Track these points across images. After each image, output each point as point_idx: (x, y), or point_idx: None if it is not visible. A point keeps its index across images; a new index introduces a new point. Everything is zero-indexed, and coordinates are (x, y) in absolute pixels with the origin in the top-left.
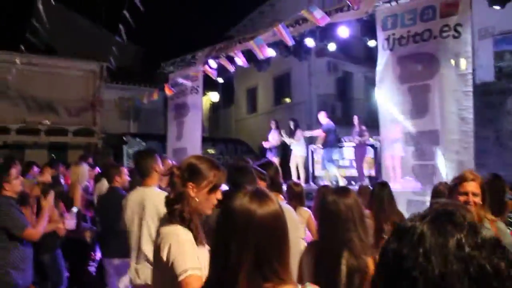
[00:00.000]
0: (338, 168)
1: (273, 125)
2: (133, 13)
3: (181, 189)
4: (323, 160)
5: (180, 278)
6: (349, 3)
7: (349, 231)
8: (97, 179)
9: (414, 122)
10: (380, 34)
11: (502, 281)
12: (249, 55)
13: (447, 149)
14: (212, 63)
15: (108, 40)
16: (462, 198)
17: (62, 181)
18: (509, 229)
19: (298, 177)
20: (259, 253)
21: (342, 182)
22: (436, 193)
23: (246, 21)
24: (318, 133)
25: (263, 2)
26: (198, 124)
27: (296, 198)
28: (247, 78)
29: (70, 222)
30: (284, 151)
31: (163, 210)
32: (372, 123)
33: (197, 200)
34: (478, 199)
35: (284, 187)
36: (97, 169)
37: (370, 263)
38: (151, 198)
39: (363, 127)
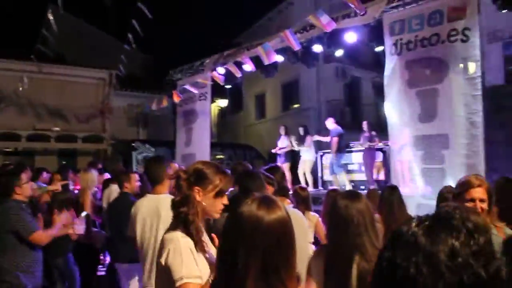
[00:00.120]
0: (347, 172)
1: (282, 130)
2: (142, 22)
3: (187, 192)
4: (331, 165)
5: (177, 284)
6: (354, 8)
7: (360, 236)
8: (105, 185)
9: (423, 126)
10: (388, 39)
11: None
12: (257, 61)
13: (456, 153)
14: (220, 69)
15: (117, 48)
16: (469, 206)
17: (72, 187)
18: None
19: (306, 183)
20: (266, 259)
21: (350, 187)
22: (442, 199)
23: (254, 28)
24: (327, 138)
25: (271, 8)
26: (206, 130)
27: (302, 202)
28: (255, 84)
29: (80, 227)
30: (293, 156)
31: None
32: (381, 128)
33: (203, 204)
34: (485, 205)
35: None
36: (106, 175)
37: None
38: (167, 206)
39: (373, 132)
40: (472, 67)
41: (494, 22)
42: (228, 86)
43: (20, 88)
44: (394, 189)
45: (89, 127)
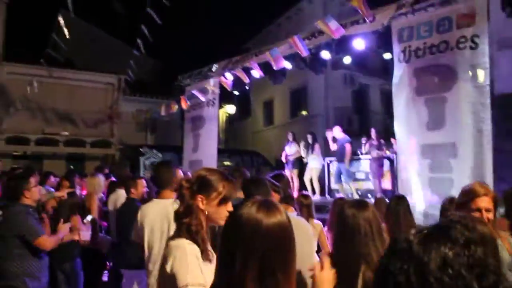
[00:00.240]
0: (354, 181)
1: (290, 137)
2: (151, 27)
3: (190, 201)
4: (338, 173)
5: None
6: (363, 15)
7: (367, 245)
8: (111, 189)
9: (430, 135)
10: (396, 46)
11: None
12: (266, 68)
13: (464, 162)
14: (228, 75)
15: (127, 53)
16: (475, 216)
17: (79, 191)
18: None
19: (313, 190)
20: (264, 263)
21: (357, 196)
22: (444, 211)
23: (263, 34)
24: (333, 146)
25: (280, 15)
26: (214, 136)
27: (305, 210)
28: (263, 91)
29: (86, 234)
30: (301, 164)
31: None
32: (389, 136)
33: (206, 212)
34: (491, 215)
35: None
36: (112, 178)
37: None
38: None
39: (381, 140)
40: (481, 74)
41: (503, 29)
42: (236, 92)
43: (29, 91)
44: (402, 198)
45: (97, 132)
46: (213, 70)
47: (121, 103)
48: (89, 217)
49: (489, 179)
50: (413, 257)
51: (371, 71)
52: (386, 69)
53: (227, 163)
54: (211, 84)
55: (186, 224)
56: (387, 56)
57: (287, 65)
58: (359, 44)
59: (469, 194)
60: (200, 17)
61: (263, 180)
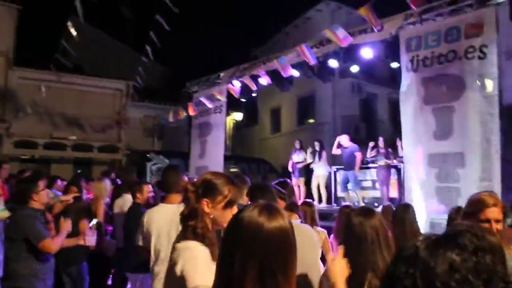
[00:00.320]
0: (360, 189)
1: (297, 145)
2: (160, 33)
3: (195, 205)
4: (345, 182)
5: None
6: (371, 24)
7: (374, 253)
8: (116, 193)
9: (438, 144)
10: (404, 56)
11: None
12: (273, 75)
13: (472, 172)
14: (236, 82)
15: (135, 59)
16: (484, 226)
17: (85, 195)
18: None
19: (320, 198)
20: (263, 265)
21: (363, 204)
22: (450, 220)
23: (271, 42)
24: (337, 151)
25: (288, 23)
26: (220, 143)
27: (309, 218)
28: (271, 99)
29: (91, 239)
30: (308, 171)
31: None
32: (396, 144)
33: (211, 216)
34: (500, 226)
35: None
36: (119, 183)
37: None
38: None
39: (389, 149)
40: (489, 84)
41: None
42: (243, 100)
43: (38, 96)
44: (407, 207)
45: (105, 137)
46: (221, 78)
47: (129, 109)
48: (94, 221)
49: (497, 189)
50: (419, 261)
51: (378, 80)
52: (394, 78)
53: (233, 169)
54: (219, 91)
55: (191, 226)
56: (394, 65)
57: (295, 73)
58: (367, 53)
59: (477, 204)
60: (209, 24)
61: (269, 187)
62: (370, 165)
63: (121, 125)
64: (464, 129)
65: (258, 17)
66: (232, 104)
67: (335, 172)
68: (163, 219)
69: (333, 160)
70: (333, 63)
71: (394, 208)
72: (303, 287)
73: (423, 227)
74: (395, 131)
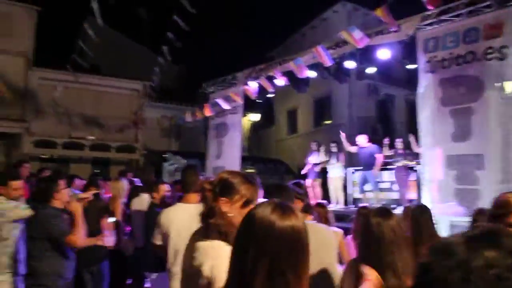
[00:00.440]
0: (379, 191)
1: (314, 146)
2: (177, 34)
3: (213, 203)
4: (362, 183)
5: None
6: (388, 25)
7: (392, 254)
8: (135, 193)
9: (456, 145)
10: (422, 57)
11: None
12: (289, 76)
13: (492, 174)
14: (252, 83)
15: (152, 60)
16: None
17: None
18: None
19: (337, 199)
20: (275, 263)
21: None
22: (474, 221)
23: (288, 43)
24: (352, 149)
25: (304, 24)
26: (237, 144)
27: (322, 219)
28: (287, 100)
29: (109, 239)
30: (324, 173)
31: None
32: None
33: (230, 215)
34: None
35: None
36: (136, 182)
37: (410, 284)
38: None
39: (407, 150)
40: (509, 86)
41: None
42: (259, 101)
43: (57, 96)
44: (424, 208)
45: (122, 137)
46: (237, 78)
47: (146, 109)
48: (112, 219)
49: None
50: (456, 255)
51: (395, 81)
52: (411, 79)
53: (250, 170)
54: (235, 93)
55: (214, 225)
56: (411, 66)
57: (311, 74)
58: (384, 54)
59: (504, 207)
60: (226, 25)
61: (287, 186)
62: (388, 166)
63: (138, 125)
64: (483, 130)
65: (275, 18)
66: (249, 105)
67: (352, 173)
68: (183, 219)
69: (349, 161)
70: (349, 64)
71: None
72: (317, 286)
73: (442, 229)
74: (412, 133)
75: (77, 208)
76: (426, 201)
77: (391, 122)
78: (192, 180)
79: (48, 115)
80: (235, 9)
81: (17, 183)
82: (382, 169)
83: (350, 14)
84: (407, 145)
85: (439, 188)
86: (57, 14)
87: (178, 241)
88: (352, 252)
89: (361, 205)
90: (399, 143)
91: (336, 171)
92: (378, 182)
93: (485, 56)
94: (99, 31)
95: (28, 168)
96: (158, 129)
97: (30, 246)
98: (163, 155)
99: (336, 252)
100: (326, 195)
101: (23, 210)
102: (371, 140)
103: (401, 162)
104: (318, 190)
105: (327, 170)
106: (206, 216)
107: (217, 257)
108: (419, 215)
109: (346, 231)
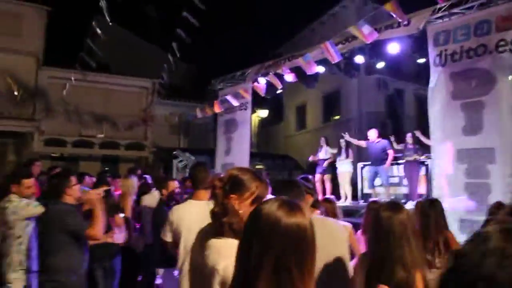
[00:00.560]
0: (389, 185)
1: (323, 142)
2: (186, 31)
3: (224, 201)
4: (372, 178)
5: None
6: (397, 19)
7: (402, 247)
8: (145, 190)
9: (467, 139)
10: (432, 50)
11: None
12: (298, 72)
13: (503, 168)
14: (261, 80)
15: (160, 57)
16: None
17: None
18: None
19: (346, 194)
20: (279, 260)
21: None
22: (491, 215)
23: (297, 39)
24: (362, 143)
25: (313, 20)
26: (246, 140)
27: (330, 214)
28: (296, 95)
29: (119, 236)
30: (334, 168)
31: None
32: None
33: (241, 212)
34: None
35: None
36: (147, 179)
37: (418, 278)
38: None
39: (417, 145)
40: None
41: None
42: (268, 97)
43: (66, 95)
44: (433, 202)
45: (131, 134)
46: (246, 75)
47: (155, 107)
48: (121, 215)
49: None
50: (491, 241)
51: (405, 76)
52: (421, 74)
53: (259, 166)
54: (244, 89)
55: (227, 223)
56: (421, 60)
57: (320, 69)
58: (393, 48)
59: None
60: (234, 21)
61: (296, 182)
62: (399, 161)
63: (147, 122)
64: (494, 124)
65: (284, 14)
66: (257, 101)
67: (361, 169)
68: (194, 215)
69: (358, 157)
70: (359, 59)
71: None
72: (330, 280)
73: (453, 223)
74: (422, 128)
75: (96, 201)
76: (436, 195)
77: (400, 117)
78: (202, 177)
79: (58, 113)
80: (243, 5)
81: (29, 181)
82: (391, 164)
83: (359, 9)
84: (416, 140)
85: (449, 182)
86: (67, 13)
87: (189, 238)
88: (361, 247)
89: (371, 199)
90: (409, 137)
91: (345, 167)
92: (389, 176)
93: (497, 49)
94: (108, 30)
95: (39, 166)
96: (167, 126)
97: (45, 242)
98: (172, 152)
99: (347, 245)
100: (337, 190)
101: (35, 208)
102: (380, 135)
103: (412, 157)
104: (329, 185)
105: (336, 165)
106: (218, 214)
107: (230, 256)
108: (428, 209)
109: (355, 226)
